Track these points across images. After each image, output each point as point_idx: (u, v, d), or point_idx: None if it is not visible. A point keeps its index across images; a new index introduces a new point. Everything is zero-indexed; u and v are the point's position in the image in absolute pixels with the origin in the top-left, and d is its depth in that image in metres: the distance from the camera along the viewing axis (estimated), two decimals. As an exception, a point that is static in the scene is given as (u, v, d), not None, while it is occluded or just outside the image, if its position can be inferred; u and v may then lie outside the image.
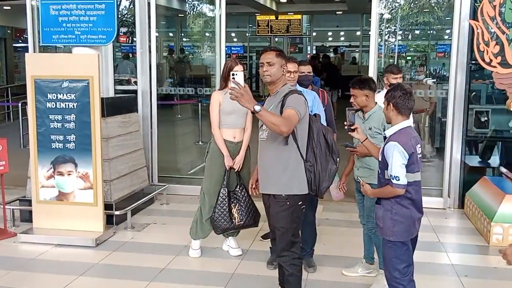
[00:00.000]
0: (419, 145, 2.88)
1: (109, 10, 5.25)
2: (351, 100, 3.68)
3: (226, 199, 4.07)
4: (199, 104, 8.93)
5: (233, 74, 2.82)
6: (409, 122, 2.94)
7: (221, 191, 4.10)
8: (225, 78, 4.07)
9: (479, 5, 5.05)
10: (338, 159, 3.12)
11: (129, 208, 5.08)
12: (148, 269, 4.08)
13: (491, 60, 4.91)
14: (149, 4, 6.24)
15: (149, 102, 6.40)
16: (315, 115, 3.22)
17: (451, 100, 5.67)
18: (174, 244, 4.62)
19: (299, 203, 3.05)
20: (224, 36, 6.26)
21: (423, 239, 4.78)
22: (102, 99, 4.80)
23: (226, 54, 8.90)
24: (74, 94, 4.64)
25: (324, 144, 3.08)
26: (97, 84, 4.57)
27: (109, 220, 4.96)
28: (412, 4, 8.10)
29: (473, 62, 5.43)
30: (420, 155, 2.89)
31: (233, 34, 21.55)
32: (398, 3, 7.80)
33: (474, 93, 6.29)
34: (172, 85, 10.89)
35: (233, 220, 4.10)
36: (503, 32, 4.89)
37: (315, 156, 3.04)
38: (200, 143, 8.71)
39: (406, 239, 2.88)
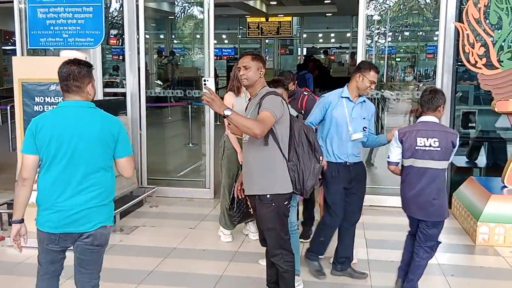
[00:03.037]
0: (422, 138, 3.35)
1: (97, 13, 5.26)
2: None
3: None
4: (189, 106, 8.94)
5: (204, 81, 2.86)
6: (429, 117, 3.40)
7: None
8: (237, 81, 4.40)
9: (464, 7, 5.11)
10: (321, 157, 3.16)
11: (117, 211, 5.06)
12: (136, 272, 4.08)
13: (476, 62, 4.97)
14: (137, 6, 6.24)
15: (138, 104, 6.40)
16: (297, 116, 3.25)
17: (438, 101, 5.72)
18: (163, 247, 4.63)
19: (285, 203, 3.09)
20: (213, 38, 6.27)
21: (408, 239, 4.85)
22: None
23: (216, 56, 8.87)
24: (61, 97, 4.61)
25: (306, 143, 3.12)
26: (84, 87, 4.55)
27: (98, 223, 4.95)
28: (401, 6, 8.16)
29: (459, 63, 5.49)
30: (424, 147, 3.35)
31: (224, 36, 21.57)
32: (387, 4, 7.85)
33: (460, 94, 6.36)
34: (163, 87, 10.91)
35: (250, 209, 4.16)
36: (488, 34, 4.95)
37: (298, 155, 3.08)
38: (191, 145, 8.72)
39: (405, 212, 3.63)
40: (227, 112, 2.78)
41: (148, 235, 5.02)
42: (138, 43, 6.35)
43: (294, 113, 3.78)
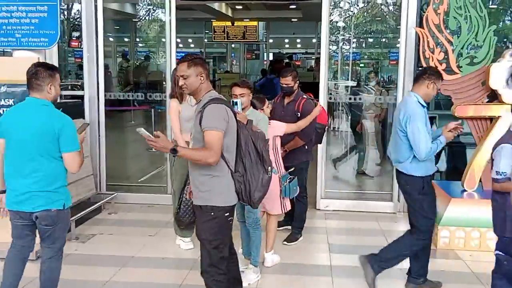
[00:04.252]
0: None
1: (52, 12, 5.04)
2: (238, 99, 3.68)
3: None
4: (152, 110, 8.75)
5: (139, 131, 2.79)
6: None
7: (186, 188, 4.06)
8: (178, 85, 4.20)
9: (425, 13, 5.17)
10: (269, 168, 3.00)
11: (73, 218, 4.85)
12: (91, 283, 3.91)
13: (436, 67, 5.01)
14: (96, 7, 6.05)
15: (97, 108, 6.19)
16: (247, 122, 3.08)
17: (400, 106, 5.75)
18: (120, 255, 4.46)
19: (226, 215, 2.93)
20: (175, 41, 6.13)
21: (373, 243, 4.82)
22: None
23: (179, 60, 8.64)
24: (12, 99, 4.44)
25: (254, 153, 2.95)
26: (37, 89, 4.35)
27: (52, 232, 4.75)
28: (365, 13, 8.23)
29: (420, 69, 5.53)
30: None
31: (190, 40, 21.37)
32: (352, 12, 7.90)
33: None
34: (125, 90, 10.65)
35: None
36: (448, 40, 5.01)
37: (244, 166, 2.92)
38: (153, 149, 8.49)
39: None
40: (176, 149, 2.71)
41: (105, 243, 4.83)
42: (97, 44, 6.15)
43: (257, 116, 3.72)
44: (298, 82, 4.73)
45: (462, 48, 4.98)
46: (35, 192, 3.03)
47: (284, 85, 4.65)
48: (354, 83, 9.14)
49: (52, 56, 5.97)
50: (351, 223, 5.51)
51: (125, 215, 5.74)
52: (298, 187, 4.29)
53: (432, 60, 4.99)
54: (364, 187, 6.79)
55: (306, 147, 4.73)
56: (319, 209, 5.89)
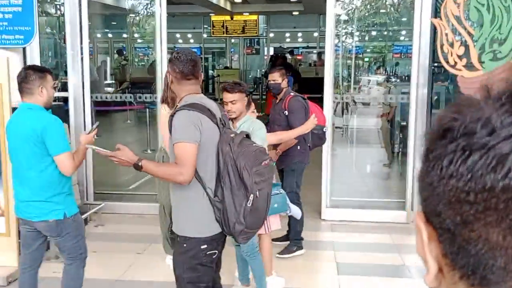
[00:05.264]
0: None
1: (27, 6, 4.56)
2: (229, 108, 3.23)
3: None
4: (147, 110, 8.30)
5: (90, 147, 2.82)
6: None
7: None
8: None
9: (441, 3, 4.65)
10: (251, 196, 2.37)
11: (53, 235, 4.38)
12: (67, 314, 3.41)
13: (455, 63, 4.50)
14: (80, 0, 5.54)
15: (82, 110, 5.70)
16: (234, 134, 2.50)
17: (413, 104, 5.25)
18: (102, 279, 3.98)
19: (202, 247, 2.42)
20: (166, 37, 5.63)
21: (384, 262, 4.33)
22: (14, 108, 4.10)
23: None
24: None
25: (234, 175, 2.39)
26: (6, 92, 3.86)
27: (28, 251, 4.28)
28: (370, 5, 7.73)
29: (436, 64, 5.03)
30: None
31: (189, 35, 20.86)
32: (354, 5, 7.41)
33: (436, 97, 5.94)
34: (122, 89, 10.20)
35: None
36: (468, 33, 4.49)
37: (223, 191, 2.40)
38: (149, 151, 8.05)
39: None
40: (138, 164, 2.31)
41: (88, 264, 4.26)
42: (81, 42, 5.65)
43: (251, 123, 3.23)
44: (287, 80, 4.47)
45: (484, 42, 4.46)
46: (31, 202, 2.94)
47: (271, 82, 4.40)
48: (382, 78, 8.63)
49: (34, 55, 5.47)
50: (360, 236, 5.00)
51: (112, 227, 5.25)
52: (287, 205, 3.64)
53: (451, 55, 4.48)
54: (373, 194, 6.26)
55: (299, 147, 4.27)
56: (324, 220, 5.39)
